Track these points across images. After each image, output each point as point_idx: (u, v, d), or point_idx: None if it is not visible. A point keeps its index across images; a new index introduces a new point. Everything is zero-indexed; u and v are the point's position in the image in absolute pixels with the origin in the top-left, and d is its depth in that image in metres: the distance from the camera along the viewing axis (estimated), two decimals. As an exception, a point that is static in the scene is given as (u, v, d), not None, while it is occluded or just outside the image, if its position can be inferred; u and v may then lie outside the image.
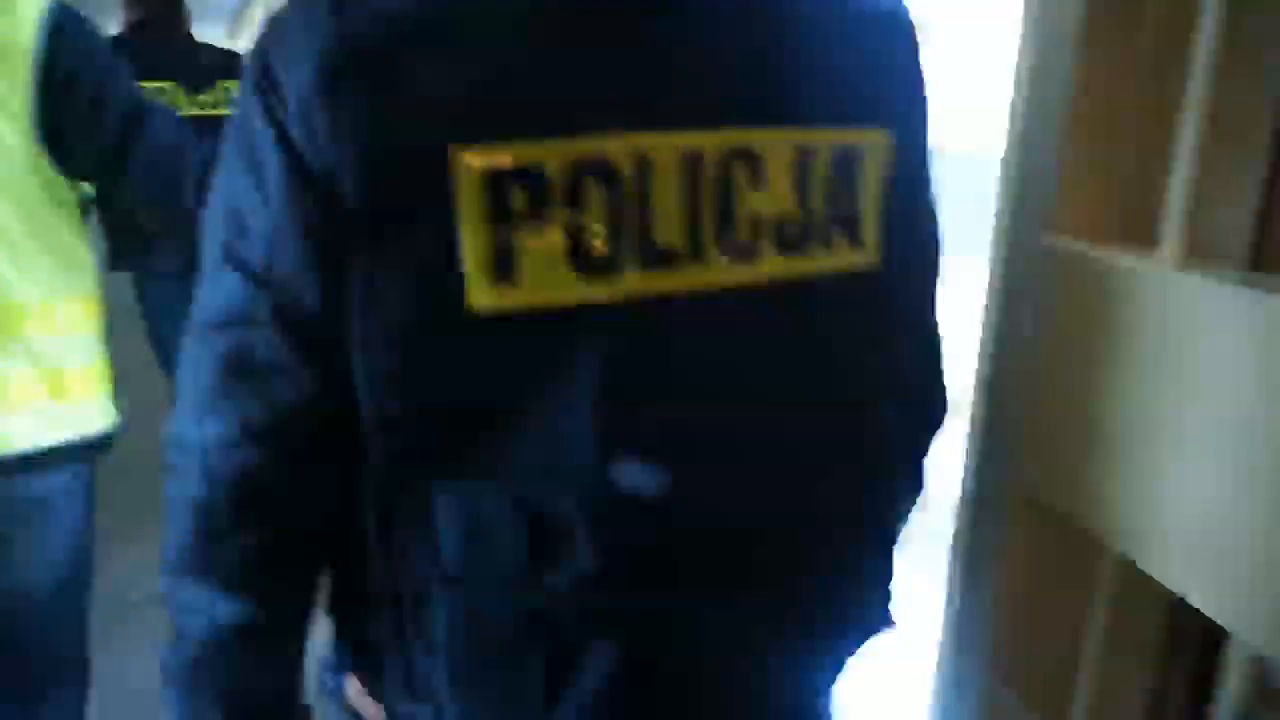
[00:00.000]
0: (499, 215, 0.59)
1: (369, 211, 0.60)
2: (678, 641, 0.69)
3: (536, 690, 0.68)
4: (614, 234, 0.62)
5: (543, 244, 0.60)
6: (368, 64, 0.58)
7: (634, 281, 0.62)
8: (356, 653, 0.80)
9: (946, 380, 0.89)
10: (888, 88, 0.72)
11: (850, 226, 0.70)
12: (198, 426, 0.67)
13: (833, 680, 0.82)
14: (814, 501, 0.72)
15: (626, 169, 0.61)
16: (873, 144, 0.70)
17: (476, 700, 0.69)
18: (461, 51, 0.59)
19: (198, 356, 0.67)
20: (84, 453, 1.39)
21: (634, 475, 0.64)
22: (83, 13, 1.31)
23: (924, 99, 0.76)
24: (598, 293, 0.62)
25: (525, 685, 0.68)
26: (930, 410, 0.88)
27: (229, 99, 2.61)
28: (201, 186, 1.40)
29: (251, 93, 0.62)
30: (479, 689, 0.69)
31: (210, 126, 2.46)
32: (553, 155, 0.59)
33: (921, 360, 0.86)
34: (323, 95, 0.58)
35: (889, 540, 0.83)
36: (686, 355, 0.65)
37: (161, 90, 2.65)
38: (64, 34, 1.23)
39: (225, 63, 2.72)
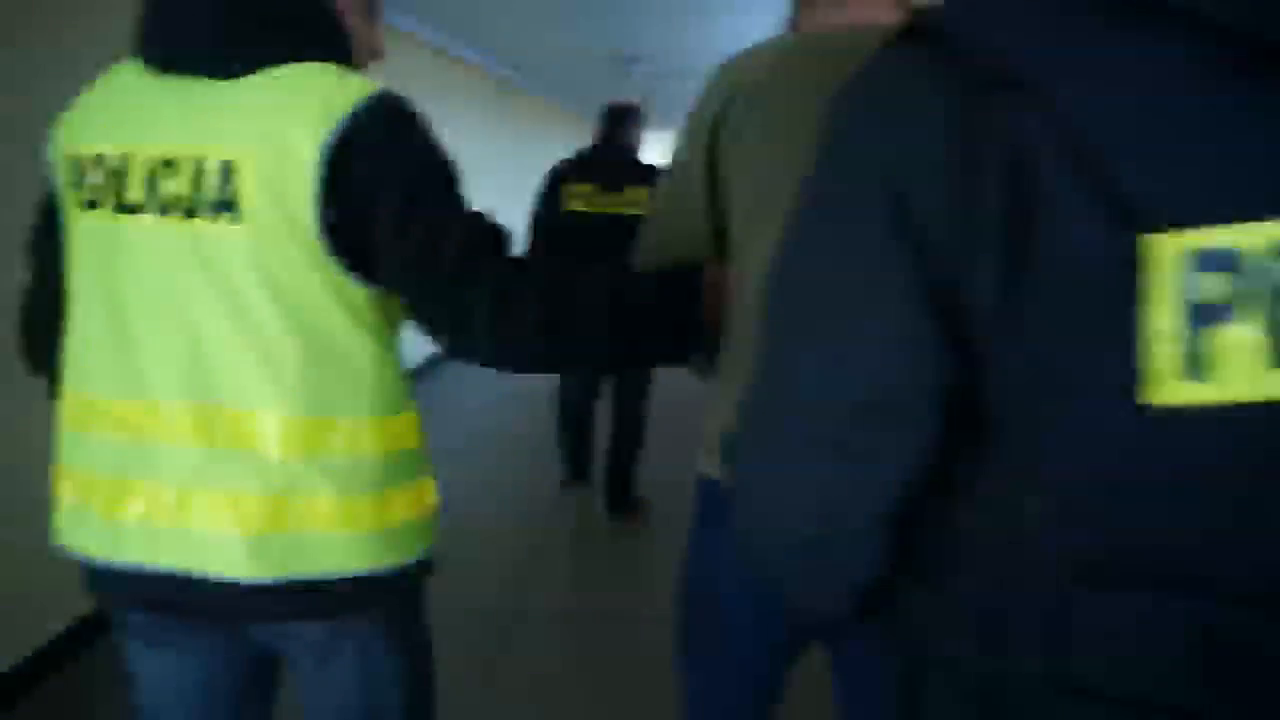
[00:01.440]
0: (1191, 304, 0.54)
1: (1003, 291, 0.58)
2: None
3: None
4: None
5: (1241, 336, 0.54)
6: (1020, 170, 0.57)
7: None
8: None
9: None
10: None
11: None
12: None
13: None
14: None
15: None
16: None
17: None
18: (1147, 149, 0.56)
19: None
20: (357, 588, 1.12)
21: None
22: (415, 112, 1.09)
23: None
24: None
25: None
26: None
27: (635, 201, 3.40)
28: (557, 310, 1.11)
29: (875, 204, 0.62)
30: None
31: (616, 224, 3.38)
32: (1251, 239, 0.54)
33: None
34: (952, 203, 0.59)
35: None
36: None
37: (582, 190, 3.46)
38: (359, 142, 1.02)
39: (639, 171, 3.51)
